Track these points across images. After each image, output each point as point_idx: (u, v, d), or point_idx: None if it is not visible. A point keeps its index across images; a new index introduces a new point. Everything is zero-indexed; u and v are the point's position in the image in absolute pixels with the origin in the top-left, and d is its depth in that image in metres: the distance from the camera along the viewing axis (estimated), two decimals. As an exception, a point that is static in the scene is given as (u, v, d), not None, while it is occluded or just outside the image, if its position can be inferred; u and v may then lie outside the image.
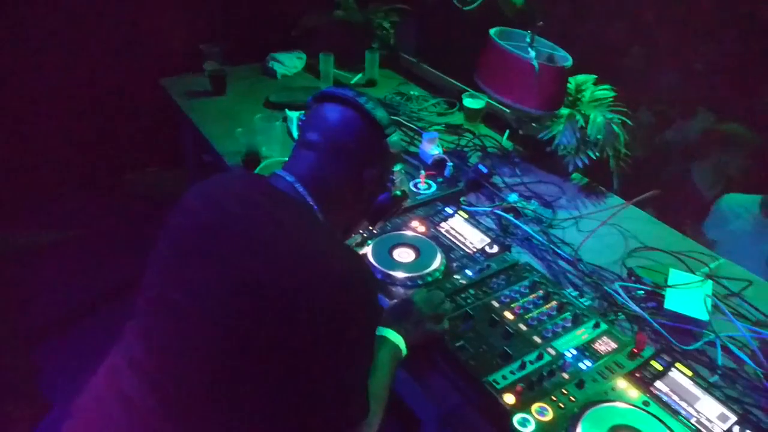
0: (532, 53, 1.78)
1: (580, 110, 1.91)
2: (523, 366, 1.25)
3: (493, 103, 2.34)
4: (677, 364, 1.28)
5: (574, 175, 2.07)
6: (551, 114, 1.91)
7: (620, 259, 1.69)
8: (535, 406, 1.17)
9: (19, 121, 2.81)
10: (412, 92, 2.56)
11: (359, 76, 2.67)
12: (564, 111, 1.92)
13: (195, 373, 0.97)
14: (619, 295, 1.52)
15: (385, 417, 1.14)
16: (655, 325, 1.43)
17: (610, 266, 1.65)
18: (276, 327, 0.95)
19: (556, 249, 1.69)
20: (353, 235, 1.33)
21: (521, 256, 1.68)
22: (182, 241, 1.06)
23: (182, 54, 2.69)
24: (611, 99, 1.96)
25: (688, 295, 1.50)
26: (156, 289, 1.05)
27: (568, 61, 1.84)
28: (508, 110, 2.21)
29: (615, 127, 1.90)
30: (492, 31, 1.90)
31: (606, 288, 1.55)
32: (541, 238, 1.72)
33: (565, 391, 1.21)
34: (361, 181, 1.12)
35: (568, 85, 1.97)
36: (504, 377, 1.23)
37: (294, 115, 2.23)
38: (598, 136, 1.86)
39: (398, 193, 1.21)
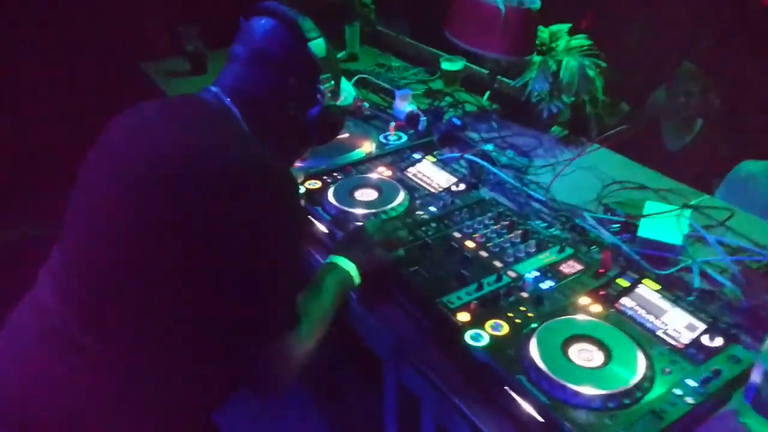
0: (499, -2, 1.74)
1: (553, 57, 1.86)
2: (480, 287, 1.19)
3: (472, 66, 2.31)
4: (644, 280, 1.21)
5: (553, 128, 2.02)
6: (522, 62, 1.86)
7: (596, 199, 1.62)
8: (489, 323, 1.11)
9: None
10: (393, 63, 2.53)
11: (342, 53, 2.65)
12: (536, 58, 1.87)
13: (99, 281, 0.99)
14: (591, 226, 1.45)
15: (347, 359, 1.10)
16: (627, 249, 1.36)
17: (585, 205, 1.59)
18: (168, 231, 0.95)
19: (528, 191, 1.63)
20: (294, 157, 1.27)
21: (493, 197, 1.63)
22: (93, 163, 1.06)
23: (163, 38, 2.71)
24: (586, 47, 1.91)
25: (664, 223, 1.43)
26: (70, 210, 1.06)
27: (536, 4, 1.80)
28: (482, 69, 2.17)
29: (590, 71, 1.84)
30: (460, -18, 1.87)
31: (577, 222, 1.48)
32: (513, 182, 1.66)
33: (523, 308, 1.15)
34: (286, 90, 1.09)
35: (541, 34, 1.93)
36: (459, 298, 1.17)
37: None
38: (572, 81, 1.81)
39: (332, 104, 1.15)
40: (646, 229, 1.41)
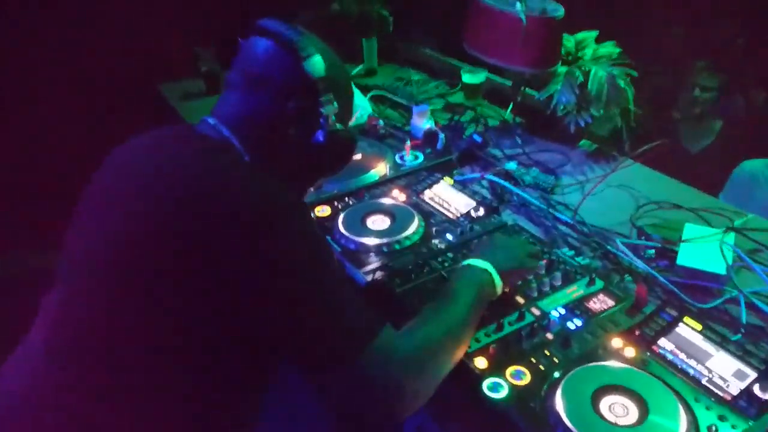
0: (519, 6, 1.63)
1: (580, 67, 1.74)
2: (500, 327, 1.08)
3: (495, 77, 2.20)
4: (686, 318, 1.08)
5: (582, 142, 1.89)
6: (546, 73, 1.75)
7: (629, 220, 1.49)
8: (510, 370, 1.00)
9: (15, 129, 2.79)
10: (413, 77, 2.43)
11: (359, 67, 2.57)
12: (562, 69, 1.76)
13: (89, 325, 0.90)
14: (623, 253, 1.33)
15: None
16: (664, 281, 1.24)
17: (617, 227, 1.46)
18: (194, 282, 0.86)
19: (555, 212, 1.52)
20: (306, 186, 1.15)
21: (516, 221, 1.51)
22: (91, 196, 0.98)
23: (180, 59, 2.66)
24: (616, 56, 1.79)
25: (706, 249, 1.30)
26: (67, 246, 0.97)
27: (559, 11, 1.68)
28: (507, 81, 2.06)
29: (620, 81, 1.72)
30: (479, -8, 1.77)
31: (609, 248, 1.36)
32: (539, 203, 1.55)
33: (548, 353, 1.03)
34: (285, 115, 0.99)
35: (566, 43, 1.81)
36: (477, 340, 1.06)
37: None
38: (601, 92, 1.68)
39: (338, 127, 1.04)
40: (685, 257, 1.28)
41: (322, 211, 1.46)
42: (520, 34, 1.64)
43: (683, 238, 1.33)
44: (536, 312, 1.12)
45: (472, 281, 1.07)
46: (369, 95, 2.16)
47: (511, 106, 2.06)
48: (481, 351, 1.04)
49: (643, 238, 1.40)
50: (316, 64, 0.97)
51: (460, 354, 1.00)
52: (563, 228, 1.49)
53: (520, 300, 1.16)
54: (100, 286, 0.89)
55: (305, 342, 0.88)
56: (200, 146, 0.97)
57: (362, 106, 2.03)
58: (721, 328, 1.11)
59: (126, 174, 0.96)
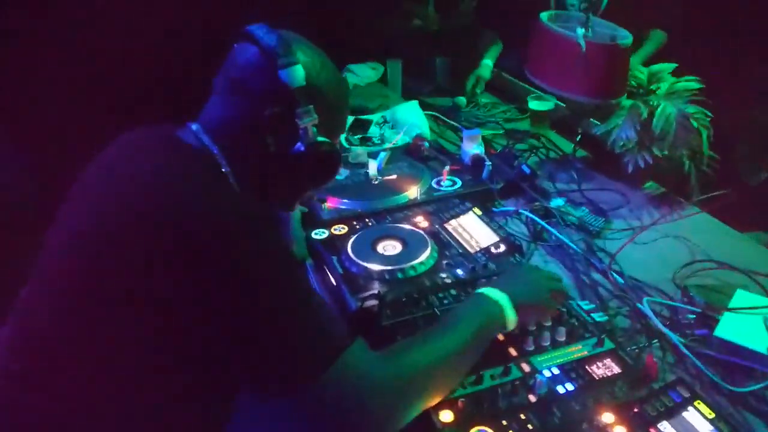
0: (580, 31, 1.50)
1: (647, 101, 1.58)
2: (478, 380, 0.98)
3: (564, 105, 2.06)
4: (697, 402, 0.92)
5: (648, 184, 1.71)
6: (609, 105, 1.60)
7: (673, 277, 1.32)
8: (474, 430, 0.89)
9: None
10: (483, 100, 2.34)
11: (430, 87, 2.50)
12: (627, 102, 1.60)
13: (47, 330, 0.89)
14: (655, 313, 1.17)
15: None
16: (686, 351, 1.07)
17: (661, 284, 1.30)
18: (128, 279, 0.83)
19: (590, 258, 1.37)
20: (288, 198, 1.09)
21: (547, 264, 1.39)
22: (72, 193, 0.98)
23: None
24: (695, 92, 1.60)
25: (751, 322, 1.11)
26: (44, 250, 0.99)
27: (627, 39, 1.53)
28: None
29: (694, 122, 1.53)
30: (543, 15, 1.66)
31: (640, 306, 1.20)
32: (575, 246, 1.41)
33: (523, 416, 0.91)
34: (261, 124, 0.95)
35: (638, 74, 1.65)
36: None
37: (348, 119, 2.13)
38: (667, 131, 1.51)
39: (320, 139, 0.97)
40: (726, 328, 1.10)
41: (339, 229, 1.41)
42: (579, 60, 1.51)
43: (730, 306, 1.15)
44: (526, 368, 1.01)
45: (478, 311, 1.00)
46: (420, 114, 2.08)
47: (578, 137, 1.91)
48: (450, 403, 0.94)
49: (685, 300, 1.23)
50: (295, 72, 0.92)
51: (445, 388, 0.93)
52: (597, 276, 1.34)
53: (513, 352, 1.04)
54: (57, 285, 0.89)
55: (258, 362, 0.83)
56: (173, 155, 0.94)
57: (415, 125, 1.97)
58: (757, 423, 0.94)
59: (102, 175, 0.96)
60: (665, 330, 1.13)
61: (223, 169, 0.96)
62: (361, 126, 2.10)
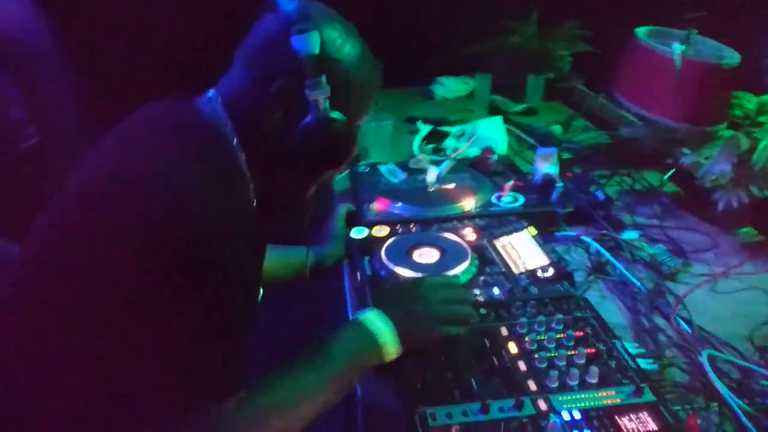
0: (676, 46, 1.34)
1: (751, 134, 1.38)
2: (485, 409, 0.85)
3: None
4: (744, 482, 0.74)
5: (745, 230, 1.49)
6: (704, 133, 1.41)
7: (759, 336, 1.12)
8: (463, 463, 0.77)
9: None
10: (577, 123, 2.18)
11: (521, 106, 2.37)
12: (726, 132, 1.40)
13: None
14: (721, 372, 0.99)
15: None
16: (749, 425, 0.88)
17: (736, 341, 1.10)
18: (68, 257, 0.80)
19: (655, 300, 1.20)
20: (301, 180, 1.00)
21: (604, 300, 1.23)
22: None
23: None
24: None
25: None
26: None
27: (732, 59, 1.35)
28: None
29: (806, 161, 1.32)
30: (640, 30, 1.51)
31: (701, 360, 1.02)
32: (639, 284, 1.24)
33: (524, 460, 0.78)
34: (271, 96, 0.88)
35: (747, 103, 1.45)
36: (448, 415, 0.85)
37: (425, 129, 2.06)
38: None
39: (335, 116, 0.89)
40: (804, 401, 0.90)
41: (380, 231, 1.33)
42: (672, 79, 1.34)
43: (815, 377, 0.95)
44: (542, 405, 0.87)
45: (350, 346, 0.90)
46: (496, 126, 1.97)
47: (672, 171, 1.72)
48: (443, 429, 0.82)
49: (762, 362, 1.04)
50: (308, 39, 0.85)
51: (301, 424, 0.84)
52: (659, 321, 1.17)
53: (532, 386, 0.91)
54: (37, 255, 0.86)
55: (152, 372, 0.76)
56: (171, 126, 0.89)
57: (492, 140, 1.87)
58: None
59: (99, 149, 0.93)
60: (727, 393, 0.94)
61: (234, 148, 0.91)
62: (438, 137, 2.02)
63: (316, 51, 0.86)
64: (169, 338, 0.76)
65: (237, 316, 0.83)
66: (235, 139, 0.91)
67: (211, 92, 0.94)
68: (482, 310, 1.07)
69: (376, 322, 0.92)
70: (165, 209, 0.76)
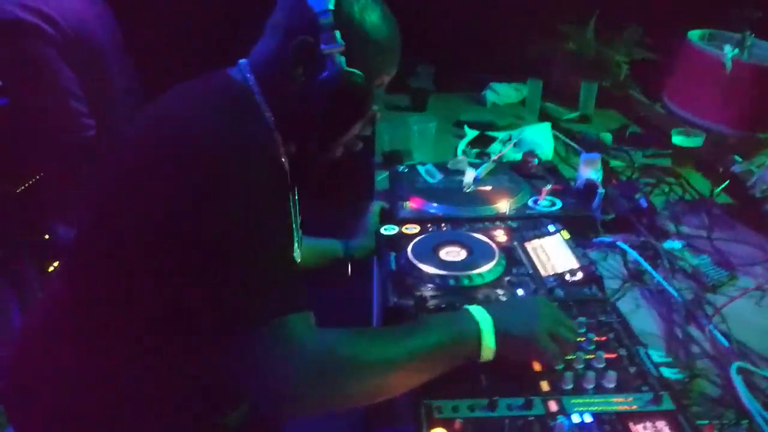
0: (728, 49, 1.28)
1: (809, 142, 1.30)
2: (492, 406, 0.84)
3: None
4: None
5: (801, 245, 1.41)
6: (758, 140, 1.34)
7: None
8: (463, 457, 0.76)
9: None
10: (631, 130, 2.11)
11: (574, 113, 2.32)
12: (782, 140, 1.33)
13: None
14: (754, 387, 0.93)
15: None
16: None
17: (774, 357, 1.04)
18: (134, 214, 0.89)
19: (693, 310, 1.14)
20: (327, 142, 1.03)
21: (638, 309, 1.19)
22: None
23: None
24: None
25: None
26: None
27: (788, 63, 1.28)
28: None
29: None
30: (693, 33, 1.45)
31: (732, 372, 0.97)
32: (676, 294, 1.19)
33: (527, 459, 0.76)
34: (290, 54, 0.92)
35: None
36: (454, 409, 0.84)
37: (472, 133, 2.05)
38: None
39: (351, 71, 0.91)
40: (843, 422, 0.84)
41: (410, 228, 1.33)
42: (722, 83, 1.29)
43: None
44: (552, 406, 0.84)
45: (452, 326, 0.89)
46: (545, 132, 1.93)
47: (727, 182, 1.64)
48: (447, 422, 0.81)
49: (802, 381, 0.97)
50: None
51: (378, 392, 0.85)
52: (694, 332, 1.11)
53: (545, 386, 0.88)
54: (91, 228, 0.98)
55: (211, 296, 0.83)
56: (209, 95, 0.95)
57: (539, 146, 1.84)
58: None
59: (136, 124, 0.99)
60: (757, 408, 0.89)
61: (259, 106, 0.96)
62: (485, 142, 2.00)
63: (331, 6, 0.90)
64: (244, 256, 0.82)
65: (285, 245, 0.91)
66: (262, 100, 0.96)
67: (242, 61, 0.99)
68: (503, 310, 1.05)
69: (481, 313, 0.91)
70: (205, 159, 0.84)
